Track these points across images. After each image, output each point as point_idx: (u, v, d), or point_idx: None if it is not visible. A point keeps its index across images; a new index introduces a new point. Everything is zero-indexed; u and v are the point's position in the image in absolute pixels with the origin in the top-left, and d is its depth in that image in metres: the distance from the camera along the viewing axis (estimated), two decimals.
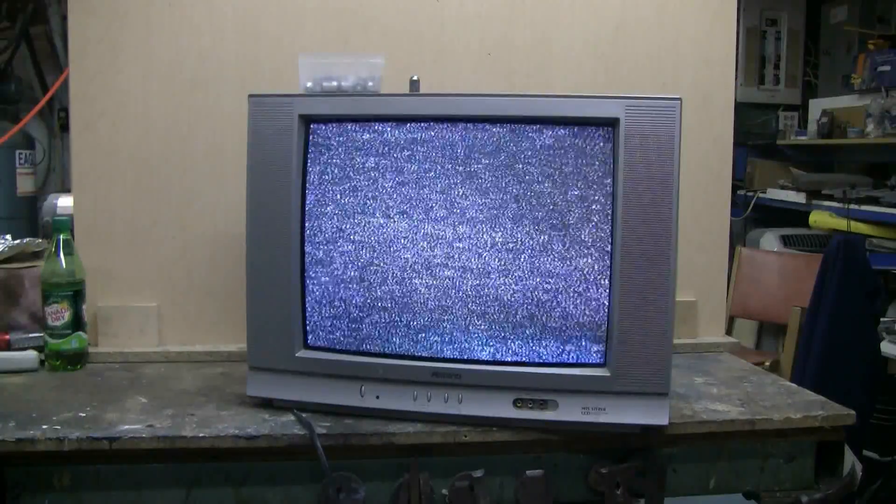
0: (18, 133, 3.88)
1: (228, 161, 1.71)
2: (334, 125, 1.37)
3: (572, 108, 1.32)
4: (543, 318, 1.33)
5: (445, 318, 1.35)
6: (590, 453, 1.37)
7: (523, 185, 1.32)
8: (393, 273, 1.36)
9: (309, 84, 1.43)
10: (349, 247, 1.37)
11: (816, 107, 4.38)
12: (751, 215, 4.42)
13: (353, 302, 1.38)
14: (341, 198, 1.37)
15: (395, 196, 1.35)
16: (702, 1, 1.83)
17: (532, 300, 1.33)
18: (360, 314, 1.38)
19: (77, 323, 1.63)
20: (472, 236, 1.34)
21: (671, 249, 1.28)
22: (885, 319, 3.13)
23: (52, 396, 1.47)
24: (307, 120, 1.37)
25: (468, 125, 1.33)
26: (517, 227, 1.33)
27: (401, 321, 1.36)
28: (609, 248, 1.30)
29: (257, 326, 1.39)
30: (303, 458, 1.30)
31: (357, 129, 1.37)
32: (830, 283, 2.56)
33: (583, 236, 1.31)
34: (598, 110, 1.30)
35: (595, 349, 1.32)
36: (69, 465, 1.29)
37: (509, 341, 1.34)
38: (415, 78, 1.44)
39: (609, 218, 1.30)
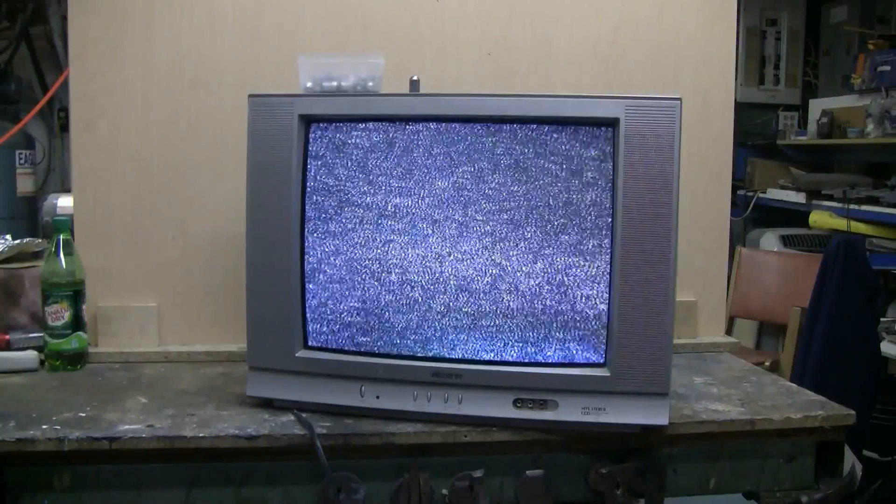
0: (18, 133, 3.88)
1: (228, 161, 1.71)
2: (334, 125, 1.37)
3: (572, 108, 1.32)
4: (543, 318, 1.33)
5: (445, 317, 1.35)
6: (590, 453, 1.37)
7: (523, 184, 1.32)
8: (393, 273, 1.36)
9: (309, 84, 1.43)
10: (349, 247, 1.37)
11: (816, 107, 4.39)
12: (751, 215, 4.42)
13: (353, 302, 1.38)
14: (341, 198, 1.37)
15: (394, 196, 1.35)
16: (702, 1, 1.83)
17: (532, 300, 1.33)
18: (360, 314, 1.38)
19: (77, 323, 1.63)
20: (471, 236, 1.34)
21: (671, 249, 1.27)
22: (885, 319, 3.13)
23: (52, 396, 1.47)
24: (307, 120, 1.37)
25: (468, 125, 1.33)
26: (517, 226, 1.32)
27: (401, 321, 1.36)
28: (609, 248, 1.30)
29: (257, 326, 1.39)
30: (303, 458, 1.30)
31: (357, 129, 1.37)
32: (830, 283, 2.56)
33: (583, 236, 1.31)
34: (598, 110, 1.30)
35: (595, 349, 1.32)
36: (69, 465, 1.29)
37: (509, 341, 1.34)
38: (415, 78, 1.44)
39: (609, 218, 1.30)
